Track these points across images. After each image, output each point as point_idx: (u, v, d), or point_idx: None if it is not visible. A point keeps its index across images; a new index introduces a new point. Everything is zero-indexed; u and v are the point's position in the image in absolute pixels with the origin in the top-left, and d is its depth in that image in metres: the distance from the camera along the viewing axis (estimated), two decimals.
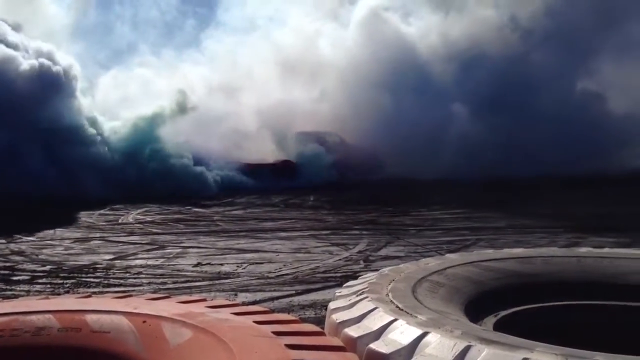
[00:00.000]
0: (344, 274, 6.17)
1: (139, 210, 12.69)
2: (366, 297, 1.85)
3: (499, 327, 1.93)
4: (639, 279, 2.16)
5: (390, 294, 1.86)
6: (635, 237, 8.58)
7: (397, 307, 1.72)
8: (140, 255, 7.56)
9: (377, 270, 2.28)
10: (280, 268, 6.61)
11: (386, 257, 7.09)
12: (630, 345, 2.05)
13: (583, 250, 2.50)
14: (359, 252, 7.56)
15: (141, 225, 10.50)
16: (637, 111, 24.07)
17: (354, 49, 24.38)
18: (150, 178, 17.47)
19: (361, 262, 6.90)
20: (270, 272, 6.40)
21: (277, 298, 5.34)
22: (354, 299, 1.88)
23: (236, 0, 32.93)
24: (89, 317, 1.83)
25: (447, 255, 2.46)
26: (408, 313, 1.65)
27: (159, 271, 6.58)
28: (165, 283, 6.00)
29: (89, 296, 2.09)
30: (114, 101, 21.77)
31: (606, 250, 2.49)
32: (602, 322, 2.05)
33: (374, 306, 1.74)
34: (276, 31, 26.82)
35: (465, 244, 8.18)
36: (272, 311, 1.75)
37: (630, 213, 11.03)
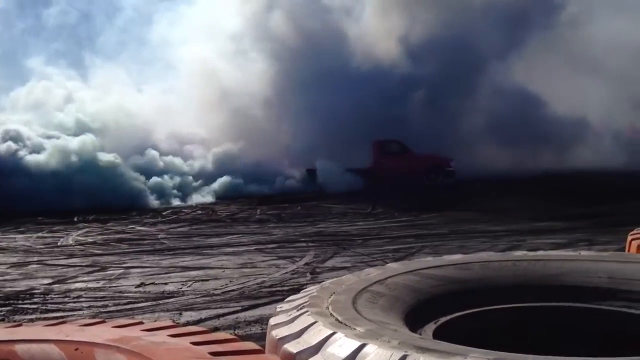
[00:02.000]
0: (291, 287, 6.15)
1: (79, 232, 12.29)
2: (306, 311, 1.83)
3: (438, 334, 1.96)
4: (570, 280, 2.22)
5: (330, 307, 1.86)
6: (571, 238, 8.91)
7: (336, 320, 1.72)
8: (80, 278, 7.31)
9: (324, 281, 2.27)
10: (226, 284, 6.53)
11: (333, 269, 7.10)
12: (563, 345, 2.11)
13: (518, 253, 2.56)
14: (306, 264, 7.55)
15: (82, 247, 10.17)
16: (576, 114, 25.08)
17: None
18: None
19: (308, 274, 6.89)
20: (216, 289, 6.30)
21: (223, 315, 5.26)
22: (294, 313, 1.87)
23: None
24: (19, 347, 1.75)
25: (389, 264, 2.47)
26: (347, 325, 1.65)
27: (100, 294, 6.38)
28: (106, 306, 5.82)
29: (20, 325, 2.00)
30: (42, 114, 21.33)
31: (540, 252, 2.56)
32: (537, 323, 2.11)
33: (314, 320, 1.73)
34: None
35: (411, 251, 8.29)
36: (211, 331, 1.72)
37: (568, 214, 11.44)
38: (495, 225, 10.56)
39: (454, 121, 23.08)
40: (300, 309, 1.89)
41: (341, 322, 1.68)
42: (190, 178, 20.19)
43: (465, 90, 23.46)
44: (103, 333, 1.71)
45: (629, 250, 3.19)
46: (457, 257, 2.54)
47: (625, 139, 26.61)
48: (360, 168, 20.95)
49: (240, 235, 10.98)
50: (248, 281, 6.61)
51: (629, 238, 3.27)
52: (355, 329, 1.60)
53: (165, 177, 19.62)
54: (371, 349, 1.42)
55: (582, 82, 25.45)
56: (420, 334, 1.92)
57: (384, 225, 11.55)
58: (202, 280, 6.80)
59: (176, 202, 18.08)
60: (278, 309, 2.02)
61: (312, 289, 2.15)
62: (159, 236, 11.27)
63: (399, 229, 10.88)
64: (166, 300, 5.89)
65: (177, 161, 21.19)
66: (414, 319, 1.98)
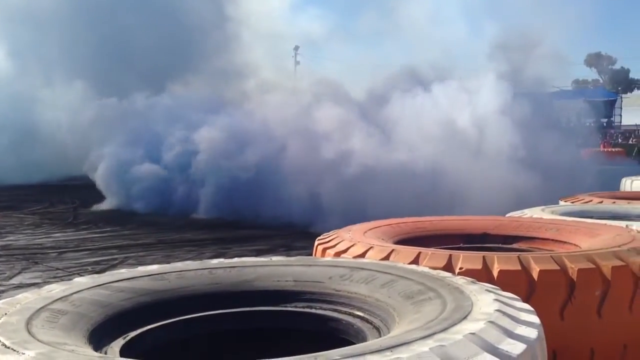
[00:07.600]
0: None
1: None
2: None
3: (127, 349, 1.85)
4: (262, 285, 2.32)
5: None
6: (272, 244, 9.54)
7: (2, 345, 1.50)
8: None
9: None
10: None
11: (20, 286, 6.35)
12: (258, 349, 2.19)
13: (215, 262, 2.59)
14: None
15: None
16: None
17: None
18: None
19: None
20: None
21: None
22: None
23: None
24: None
25: (75, 279, 2.27)
26: (14, 350, 1.45)
27: None
28: None
29: None
30: None
31: (235, 260, 2.63)
32: (229, 329, 2.14)
33: None
34: None
35: (113, 263, 7.89)
36: None
37: (269, 223, 12.14)
38: (202, 234, 10.71)
39: None
40: None
41: (8, 347, 1.48)
42: None
43: None
44: None
45: (315, 255, 3.50)
46: (152, 268, 2.46)
47: None
48: None
49: None
50: None
51: (316, 243, 3.59)
52: (23, 353, 1.42)
53: None
54: None
55: None
56: (106, 352, 1.79)
57: (86, 236, 10.77)
58: None
59: None
60: None
61: None
62: None
63: (102, 240, 10.27)
64: None
65: None
66: (100, 335, 1.84)
